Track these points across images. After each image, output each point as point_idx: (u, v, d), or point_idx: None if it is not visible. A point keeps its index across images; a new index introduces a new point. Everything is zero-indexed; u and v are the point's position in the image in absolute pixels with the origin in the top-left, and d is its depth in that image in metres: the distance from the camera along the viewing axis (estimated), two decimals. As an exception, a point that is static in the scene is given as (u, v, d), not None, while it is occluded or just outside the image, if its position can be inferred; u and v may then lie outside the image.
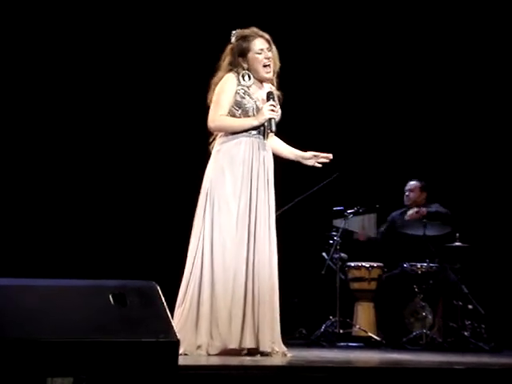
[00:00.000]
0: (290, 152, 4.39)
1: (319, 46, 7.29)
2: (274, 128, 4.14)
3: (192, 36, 6.94)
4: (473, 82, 7.33)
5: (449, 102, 7.40)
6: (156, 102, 7.02)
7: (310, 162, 4.37)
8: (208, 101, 4.22)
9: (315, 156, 4.35)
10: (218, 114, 4.13)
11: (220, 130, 4.20)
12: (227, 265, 4.03)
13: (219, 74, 4.23)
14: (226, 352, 3.98)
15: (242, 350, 4.01)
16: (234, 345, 3.99)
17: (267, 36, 4.25)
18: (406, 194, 6.76)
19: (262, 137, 4.19)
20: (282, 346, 4.10)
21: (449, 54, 7.36)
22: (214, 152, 4.20)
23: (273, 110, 4.12)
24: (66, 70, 6.86)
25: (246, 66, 4.20)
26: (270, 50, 4.22)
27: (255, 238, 4.07)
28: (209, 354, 3.94)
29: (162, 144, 7.00)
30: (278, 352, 4.03)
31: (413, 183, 6.77)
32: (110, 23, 6.91)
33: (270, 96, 4.15)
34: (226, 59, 4.25)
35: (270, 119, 4.13)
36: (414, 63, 7.38)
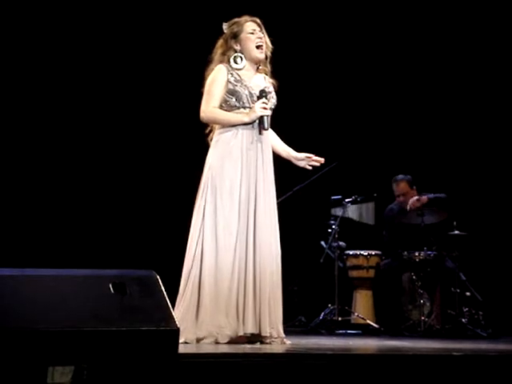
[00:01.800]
0: (282, 149, 4.38)
1: (319, 38, 7.29)
2: (266, 125, 4.13)
3: (188, 28, 6.93)
4: (468, 75, 7.34)
5: (444, 91, 7.42)
6: (154, 94, 7.02)
7: (301, 164, 4.38)
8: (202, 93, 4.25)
9: (307, 158, 4.35)
10: (210, 106, 4.14)
11: (210, 122, 4.22)
12: (231, 252, 4.04)
13: (211, 66, 4.25)
14: (235, 340, 3.99)
15: (246, 336, 4.02)
16: (241, 332, 4.01)
17: (258, 20, 4.29)
18: (402, 199, 6.65)
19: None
20: (281, 332, 4.12)
21: (444, 50, 7.37)
22: (213, 142, 4.22)
23: (265, 108, 4.10)
24: (64, 66, 6.86)
25: (238, 48, 4.22)
26: (261, 32, 4.25)
27: (256, 225, 4.08)
28: (217, 343, 3.94)
29: (160, 135, 7.01)
30: (276, 339, 4.05)
31: (401, 185, 6.67)
32: (108, 21, 6.91)
33: (262, 94, 4.14)
34: (217, 51, 4.27)
35: (262, 117, 4.12)
36: (412, 56, 7.39)
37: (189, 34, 6.85)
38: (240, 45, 4.22)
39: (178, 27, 7.00)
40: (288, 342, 4.13)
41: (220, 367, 2.92)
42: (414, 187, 6.71)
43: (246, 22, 4.24)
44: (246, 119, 4.12)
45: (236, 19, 4.27)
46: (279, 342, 4.07)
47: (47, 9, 6.77)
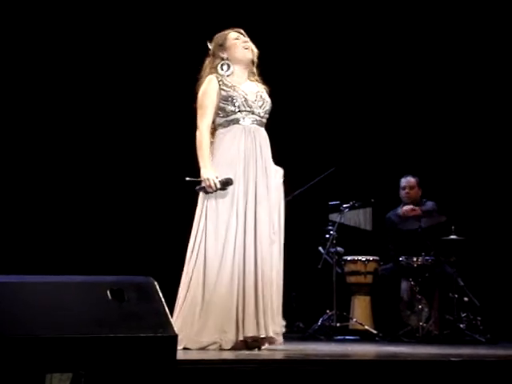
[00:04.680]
0: None
1: (315, 41, 7.30)
2: (197, 189, 4.17)
3: (192, 35, 6.92)
4: (466, 76, 7.35)
5: (441, 95, 7.42)
6: (156, 100, 7.01)
7: None
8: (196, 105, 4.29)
9: None
10: (205, 124, 4.19)
11: (196, 141, 4.24)
12: (230, 256, 4.05)
13: (202, 80, 4.30)
14: (237, 345, 4.00)
15: (246, 339, 4.02)
16: (241, 336, 4.01)
17: (241, 30, 4.40)
18: (406, 191, 6.65)
19: (256, 125, 4.24)
20: (280, 335, 4.13)
21: (442, 50, 7.38)
22: (211, 148, 4.23)
23: (210, 186, 4.10)
24: (66, 70, 6.86)
25: (225, 55, 4.29)
26: (245, 38, 4.35)
27: (256, 226, 4.10)
28: (221, 349, 3.95)
29: (160, 140, 6.99)
30: (273, 340, 4.06)
31: (411, 180, 6.68)
32: (108, 24, 6.92)
33: (227, 183, 4.12)
34: (206, 69, 4.33)
35: (202, 186, 4.13)
36: (410, 60, 7.39)
37: (193, 42, 6.82)
38: (227, 52, 4.30)
39: (183, 35, 6.99)
40: (280, 345, 4.12)
41: (218, 373, 2.92)
42: (420, 188, 6.70)
43: (229, 32, 4.36)
44: (202, 171, 4.14)
45: (219, 33, 4.38)
46: (277, 342, 4.06)
47: (47, 9, 6.77)
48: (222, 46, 4.29)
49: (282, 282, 4.19)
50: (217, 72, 4.27)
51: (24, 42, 6.77)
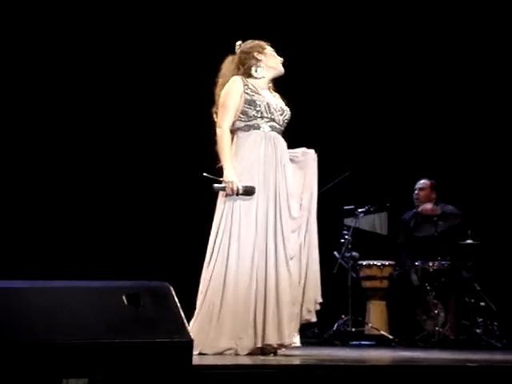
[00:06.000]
0: None
1: (327, 44, 7.29)
2: (215, 187, 4.16)
3: (204, 36, 6.93)
4: (483, 81, 7.31)
5: (460, 100, 7.39)
6: (169, 95, 7.00)
7: None
8: (215, 107, 4.29)
9: None
10: (226, 124, 4.19)
11: (217, 140, 4.24)
12: (249, 262, 4.05)
13: (223, 74, 4.30)
14: (254, 351, 4.00)
15: (265, 346, 4.02)
16: (259, 343, 4.01)
17: None
18: (416, 192, 6.73)
19: (276, 133, 4.25)
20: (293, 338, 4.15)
21: (462, 54, 7.35)
22: (232, 150, 4.23)
23: (232, 190, 4.09)
24: (69, 71, 6.87)
25: (261, 58, 4.30)
26: None
27: (276, 229, 4.09)
28: (237, 354, 3.95)
29: (178, 143, 6.98)
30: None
31: (423, 182, 6.73)
32: (111, 24, 6.92)
33: (249, 192, 4.11)
34: (231, 66, 4.32)
35: (222, 186, 4.13)
36: (428, 65, 7.36)
37: (205, 43, 6.83)
38: (264, 56, 4.31)
39: (194, 36, 7.00)
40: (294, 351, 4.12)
41: (234, 379, 2.92)
42: (435, 191, 6.71)
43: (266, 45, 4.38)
44: (225, 172, 4.13)
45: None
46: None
47: (48, 9, 6.79)
48: (261, 49, 4.31)
49: (317, 268, 4.28)
50: (247, 71, 4.27)
51: (25, 42, 6.78)
